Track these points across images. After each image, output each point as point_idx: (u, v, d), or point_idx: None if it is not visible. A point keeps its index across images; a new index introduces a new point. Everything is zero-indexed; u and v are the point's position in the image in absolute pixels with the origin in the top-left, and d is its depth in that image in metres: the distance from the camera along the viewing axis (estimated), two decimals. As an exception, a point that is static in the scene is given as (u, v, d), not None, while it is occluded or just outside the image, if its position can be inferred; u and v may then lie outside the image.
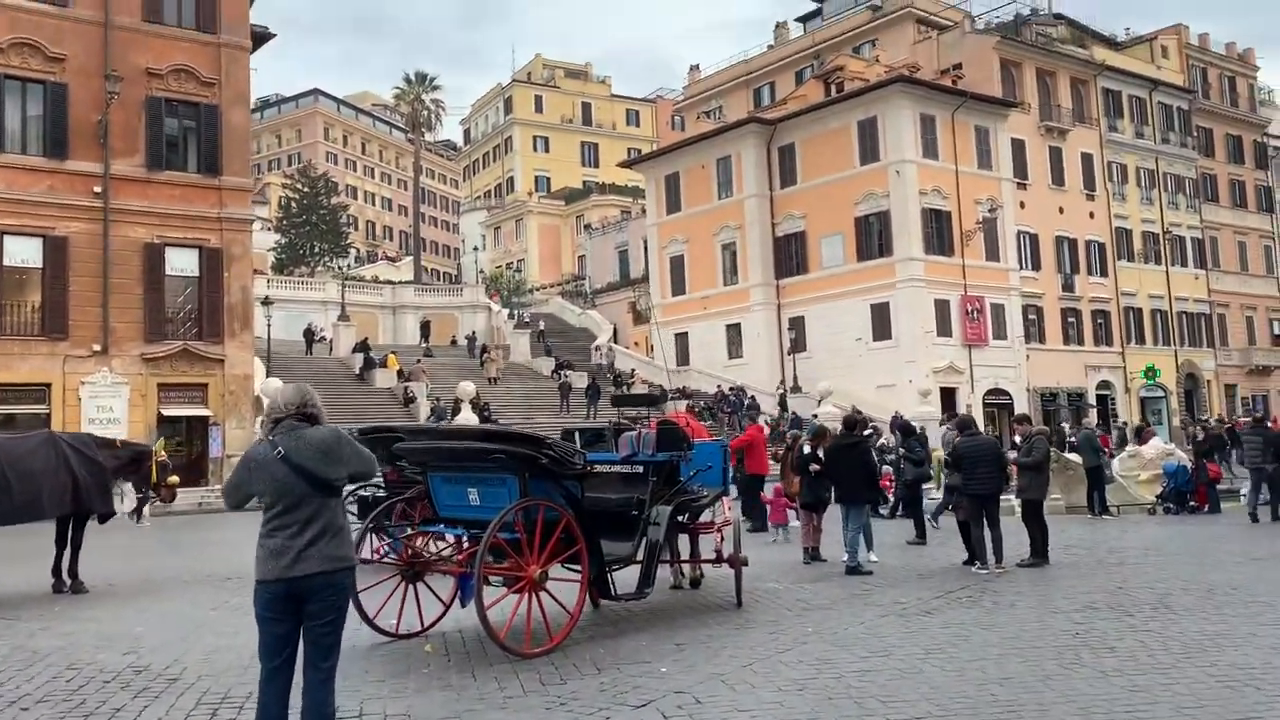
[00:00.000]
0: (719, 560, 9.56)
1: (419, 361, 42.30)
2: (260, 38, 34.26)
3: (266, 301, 39.77)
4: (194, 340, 29.48)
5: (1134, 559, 12.13)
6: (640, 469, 8.54)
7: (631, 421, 9.38)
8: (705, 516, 9.91)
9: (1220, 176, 57.92)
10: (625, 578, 8.44)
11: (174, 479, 23.74)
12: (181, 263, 29.62)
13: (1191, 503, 19.37)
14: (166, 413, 29.13)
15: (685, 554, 10.31)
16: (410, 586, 7.90)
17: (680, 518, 9.10)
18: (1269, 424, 19.73)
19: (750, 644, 7.51)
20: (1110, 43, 56.52)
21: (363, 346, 44.78)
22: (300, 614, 4.40)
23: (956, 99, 44.86)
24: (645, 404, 9.64)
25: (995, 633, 7.77)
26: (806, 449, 12.52)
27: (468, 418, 33.59)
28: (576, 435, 9.19)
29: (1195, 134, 56.52)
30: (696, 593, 10.05)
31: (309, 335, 48.22)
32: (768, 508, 15.47)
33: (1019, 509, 12.27)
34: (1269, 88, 68.00)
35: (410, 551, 7.88)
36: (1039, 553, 11.79)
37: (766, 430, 38.83)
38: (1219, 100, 59.37)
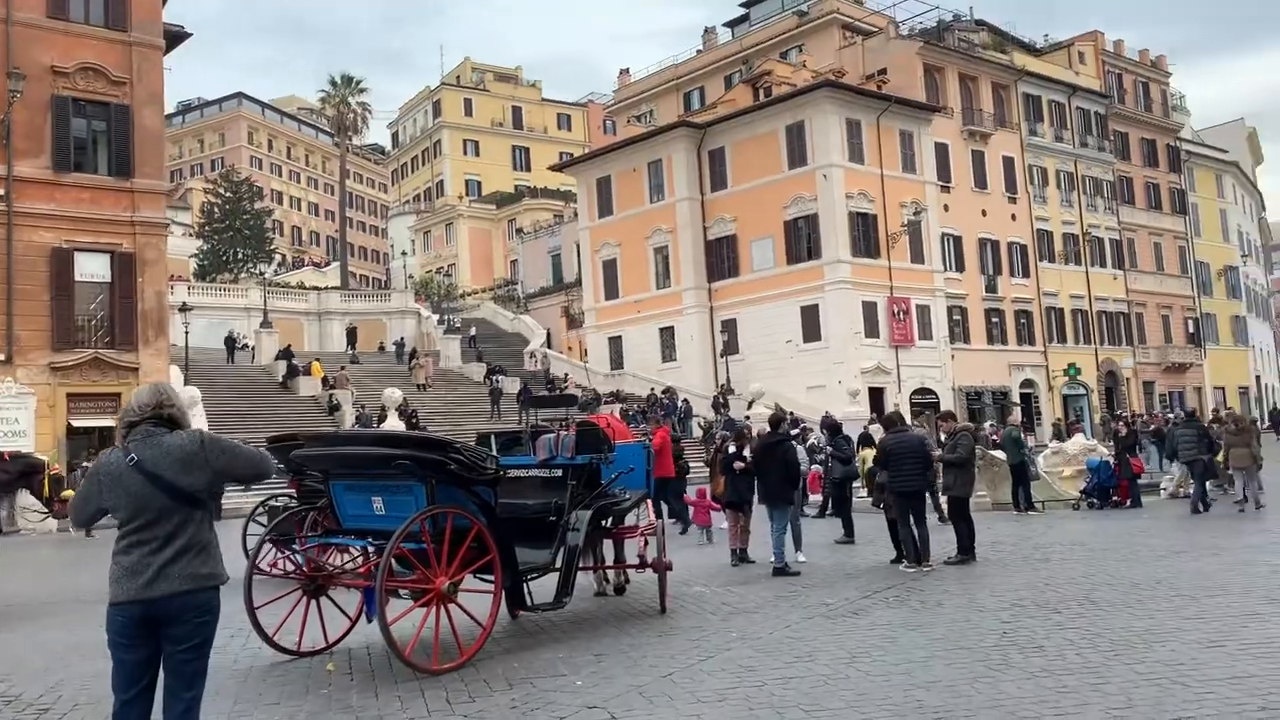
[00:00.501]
0: (642, 565, 9.28)
1: (343, 369, 41.38)
2: (175, 37, 33.22)
3: (184, 308, 38.57)
4: (106, 348, 28.39)
5: (1059, 555, 12.13)
6: (559, 473, 8.22)
7: (550, 424, 9.04)
8: (631, 519, 9.62)
9: (1136, 179, 59.48)
10: (545, 586, 8.10)
11: (69, 493, 22.71)
12: (92, 268, 28.51)
13: (1114, 497, 19.61)
14: (77, 424, 27.98)
15: (610, 559, 10.01)
16: (313, 602, 7.46)
17: (603, 522, 8.80)
18: (1199, 417, 20.40)
19: (672, 652, 7.23)
20: (1030, 49, 57.71)
21: (286, 354, 43.69)
22: (159, 639, 3.96)
23: (881, 104, 45.35)
24: (560, 405, 9.28)
25: (922, 633, 7.60)
26: (730, 449, 12.33)
27: (394, 425, 32.88)
28: (492, 439, 8.83)
29: (1112, 138, 57.97)
30: (621, 600, 9.75)
31: (230, 343, 47.04)
32: (690, 509, 15.24)
33: (945, 506, 12.19)
34: (1181, 93, 70.12)
35: (312, 565, 7.44)
36: (965, 550, 11.72)
37: (700, 433, 38.99)
38: (1134, 105, 60.99)
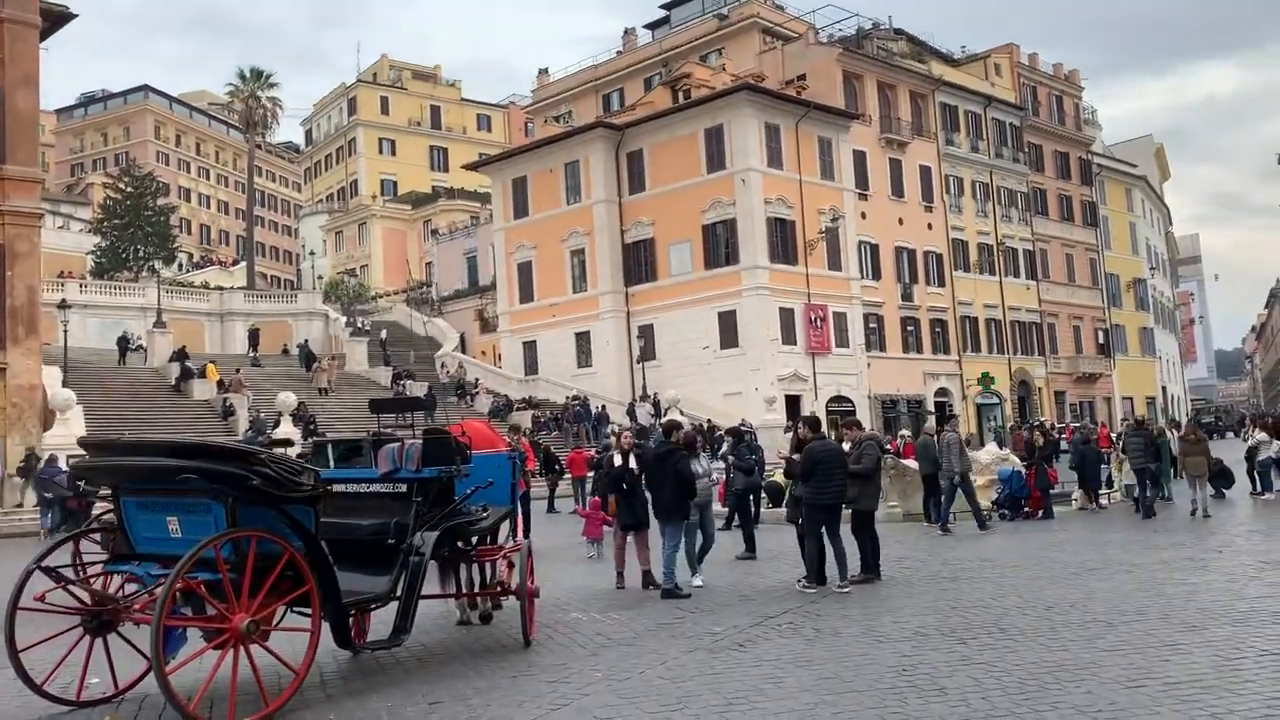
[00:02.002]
0: (503, 592, 8.25)
1: (239, 371, 39.46)
2: (57, 17, 31.17)
3: (63, 305, 36.33)
4: (-31, 347, 26.30)
5: (969, 573, 11.42)
6: (402, 488, 7.14)
7: (394, 432, 7.92)
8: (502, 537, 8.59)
9: (1049, 191, 60.34)
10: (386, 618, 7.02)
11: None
12: (-46, 260, 26.41)
13: (1025, 508, 19.17)
14: (-66, 428, 25.85)
15: (476, 584, 8.94)
16: (98, 640, 6.28)
17: (459, 543, 7.76)
18: (1148, 426, 20.77)
19: (522, 697, 6.22)
20: (947, 59, 58.14)
21: (180, 355, 41.58)
22: None
23: (800, 109, 45.04)
24: (409, 408, 8.19)
25: (812, 671, 6.71)
26: (617, 460, 11.36)
27: (288, 431, 31.25)
28: (329, 448, 7.72)
29: (1026, 150, 58.70)
30: (485, 630, 8.69)
31: (123, 343, 44.69)
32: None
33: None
34: (1093, 108, 71.52)
35: (97, 597, 6.25)
36: (869, 567, 10.93)
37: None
38: (1048, 118, 61.91)
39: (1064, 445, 29.30)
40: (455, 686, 6.57)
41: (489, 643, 8.10)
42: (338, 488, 7.35)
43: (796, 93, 46.65)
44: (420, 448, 7.15)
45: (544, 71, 64.65)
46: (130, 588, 6.23)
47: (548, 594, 10.53)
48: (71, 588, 6.21)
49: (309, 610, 6.12)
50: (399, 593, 6.75)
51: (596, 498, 14.21)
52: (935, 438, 20.49)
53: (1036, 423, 35.00)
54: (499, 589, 8.33)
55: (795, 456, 10.62)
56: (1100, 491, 20.94)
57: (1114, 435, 31.37)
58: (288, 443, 9.53)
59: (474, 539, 7.89)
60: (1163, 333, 73.53)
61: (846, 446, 11.26)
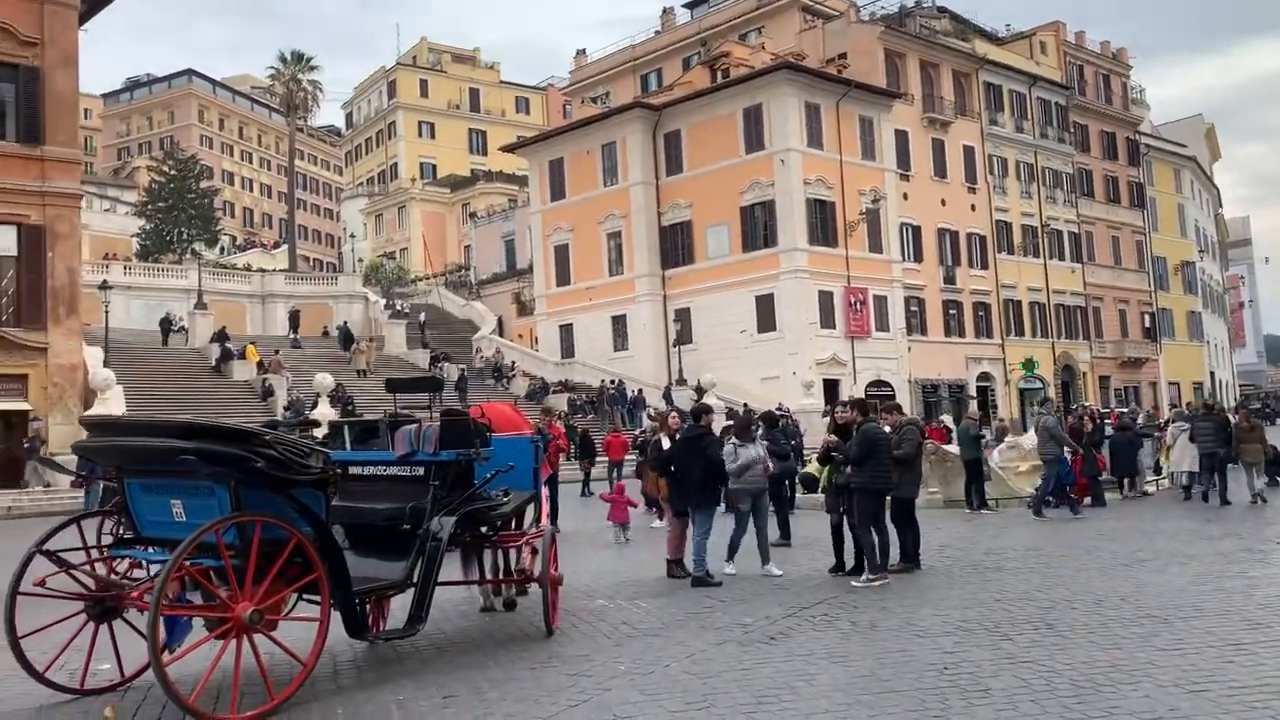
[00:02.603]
0: (525, 579, 7.97)
1: (278, 353, 39.64)
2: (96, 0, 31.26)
3: (105, 286, 36.56)
4: (10, 326, 26.54)
5: (1013, 562, 10.97)
6: (420, 471, 6.87)
7: (412, 413, 7.64)
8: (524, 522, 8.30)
9: (1095, 172, 58.96)
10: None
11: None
12: (-4, 241, 26.63)
13: (1071, 495, 18.60)
14: (-23, 407, 26.13)
15: (499, 570, 8.68)
16: (102, 627, 6.07)
17: (482, 528, 7.48)
18: (1216, 409, 20.57)
19: (540, 693, 5.93)
20: (991, 37, 56.92)
21: (221, 336, 41.87)
22: None
23: (841, 88, 44.26)
24: (424, 389, 7.92)
25: (847, 668, 6.35)
26: (665, 444, 11.00)
27: (325, 412, 31.27)
28: (346, 430, 7.46)
29: (1072, 130, 57.35)
30: (508, 618, 8.41)
31: (165, 325, 45.12)
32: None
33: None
34: (1141, 87, 69.78)
35: (102, 582, 6.04)
36: (909, 557, 10.53)
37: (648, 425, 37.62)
38: (1094, 97, 60.44)
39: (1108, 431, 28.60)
40: (472, 679, 6.30)
41: (511, 631, 7.82)
42: (354, 470, 7.11)
43: (837, 71, 45.84)
44: (438, 430, 6.86)
45: (581, 52, 64.29)
46: (139, 573, 6.01)
47: (575, 580, 10.27)
48: (76, 573, 5.99)
49: (319, 598, 5.86)
50: (415, 580, 6.47)
51: (622, 481, 13.92)
52: (977, 422, 20.04)
53: (1083, 408, 34.24)
54: (521, 576, 8.05)
55: (833, 439, 10.18)
56: (1147, 479, 20.34)
57: (1162, 421, 30.47)
58: (314, 423, 9.30)
59: (495, 524, 7.60)
60: (1211, 317, 71.79)
61: (887, 430, 10.82)
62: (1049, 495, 17.26)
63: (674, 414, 12.23)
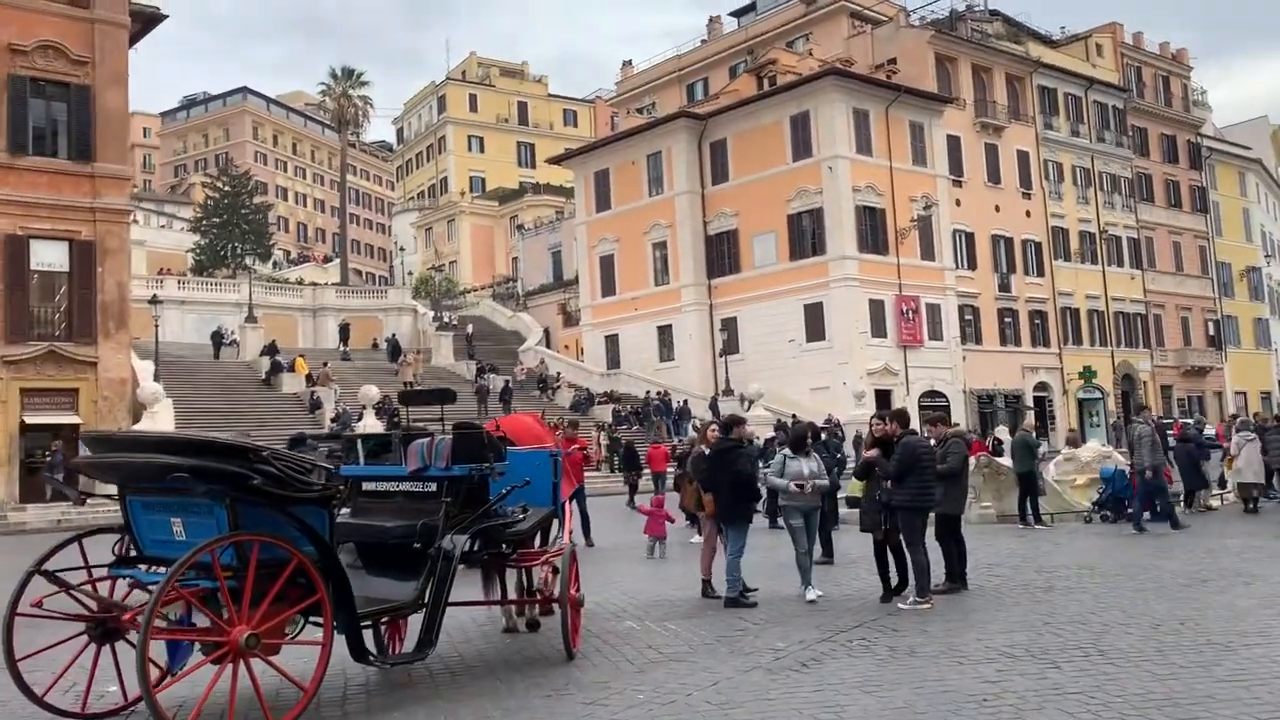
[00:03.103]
0: (544, 600, 7.67)
1: (326, 365, 39.93)
2: (148, 19, 31.75)
3: (155, 301, 37.11)
4: (62, 341, 26.95)
5: (1065, 581, 10.45)
6: (432, 486, 6.61)
7: (425, 427, 7.38)
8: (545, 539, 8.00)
9: (1155, 176, 57.46)
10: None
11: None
12: (49, 257, 27.10)
13: (1129, 510, 17.89)
14: (30, 420, 26.54)
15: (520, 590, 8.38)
16: (104, 648, 5.89)
17: (502, 546, 7.21)
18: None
19: (552, 723, 5.63)
20: (1046, 40, 55.81)
21: (271, 349, 42.33)
22: None
23: (890, 94, 43.62)
24: (435, 400, 7.65)
25: (879, 698, 5.96)
26: (706, 452, 10.62)
27: (371, 425, 31.40)
28: (359, 444, 7.24)
29: (1130, 133, 55.98)
30: (529, 639, 8.11)
31: (217, 338, 45.74)
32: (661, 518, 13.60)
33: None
34: (1202, 88, 68.02)
35: (103, 603, 5.86)
36: (955, 576, 10.06)
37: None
38: (1153, 100, 58.96)
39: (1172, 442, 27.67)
40: (483, 707, 6.02)
41: (531, 654, 7.53)
42: (367, 486, 6.88)
43: (887, 77, 45.18)
44: (450, 444, 6.61)
45: (628, 63, 64.25)
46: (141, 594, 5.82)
47: (605, 598, 9.98)
48: (77, 593, 5.82)
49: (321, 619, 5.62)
50: (425, 600, 6.21)
51: (661, 495, 13.59)
52: (1033, 433, 19.42)
53: (1143, 419, 33.20)
54: (540, 596, 7.76)
55: (873, 452, 9.72)
56: (1213, 492, 19.54)
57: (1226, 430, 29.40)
58: (336, 436, 9.05)
59: (513, 542, 7.32)
60: (1279, 323, 69.54)
61: (932, 443, 10.38)
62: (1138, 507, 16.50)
63: (714, 426, 11.79)
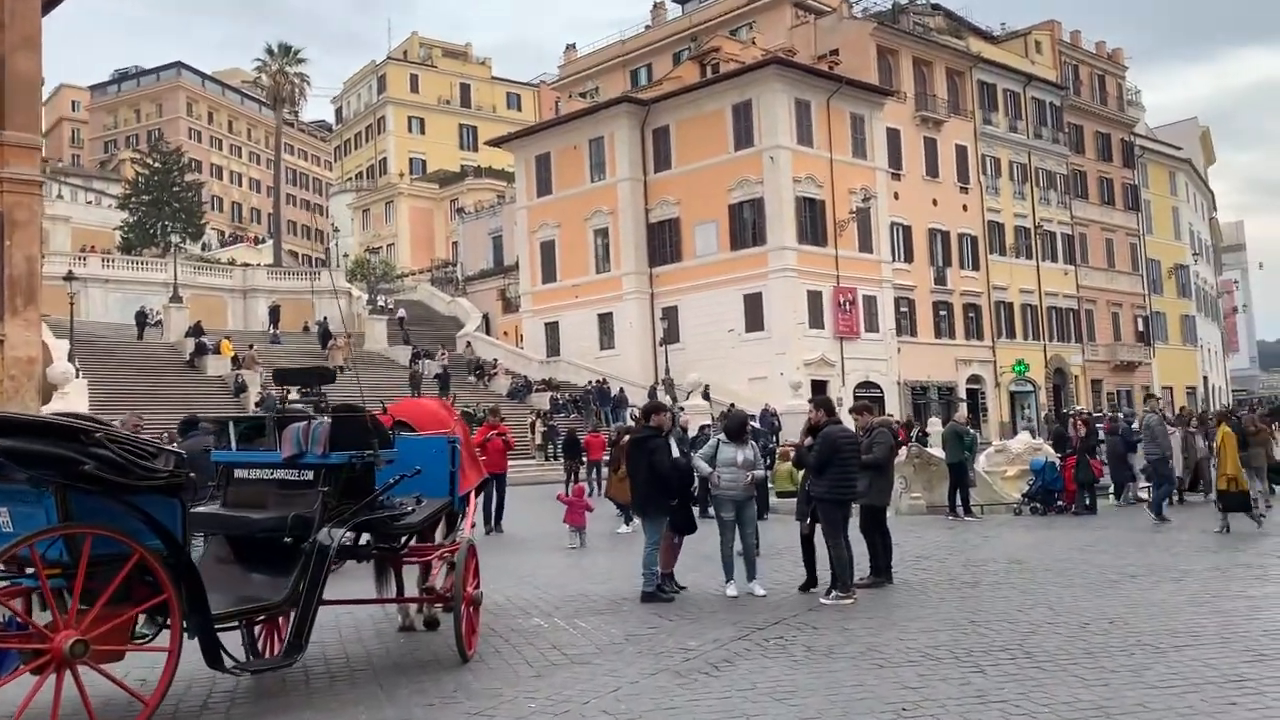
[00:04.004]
0: (437, 598, 7.09)
1: (252, 348, 38.77)
2: (66, -19, 30.24)
3: (70, 277, 35.64)
4: (-36, 318, 25.51)
5: (992, 576, 10.17)
6: (308, 474, 6.01)
7: (303, 409, 6.72)
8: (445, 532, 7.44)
9: (1090, 173, 58.22)
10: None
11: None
12: (-49, 229, 25.60)
13: (1059, 502, 17.85)
14: (-74, 401, 25.12)
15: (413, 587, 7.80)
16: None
17: (385, 541, 6.63)
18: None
19: (429, 737, 5.09)
20: (986, 36, 56.15)
21: (196, 330, 41.00)
22: None
23: (832, 84, 43.48)
24: (313, 380, 7.01)
25: (790, 705, 5.52)
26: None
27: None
28: (231, 425, 6.60)
29: (1066, 130, 56.61)
30: (429, 638, 7.56)
31: (141, 318, 44.25)
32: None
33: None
34: (1136, 88, 69.09)
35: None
36: (880, 570, 9.71)
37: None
38: (1089, 98, 59.69)
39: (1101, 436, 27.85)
40: (357, 718, 5.46)
41: (424, 656, 6.97)
42: (239, 474, 6.26)
43: (829, 68, 45.05)
44: (327, 428, 6.01)
45: (571, 47, 63.42)
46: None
47: (518, 592, 9.47)
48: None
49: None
50: (298, 600, 5.62)
51: (581, 484, 13.12)
52: (966, 424, 19.29)
53: (1075, 411, 33.50)
54: (432, 595, 7.18)
55: (807, 440, 9.30)
56: (1140, 485, 19.57)
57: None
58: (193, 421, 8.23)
59: (403, 536, 6.74)
60: (1205, 321, 71.13)
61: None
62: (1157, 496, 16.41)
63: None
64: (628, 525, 14.27)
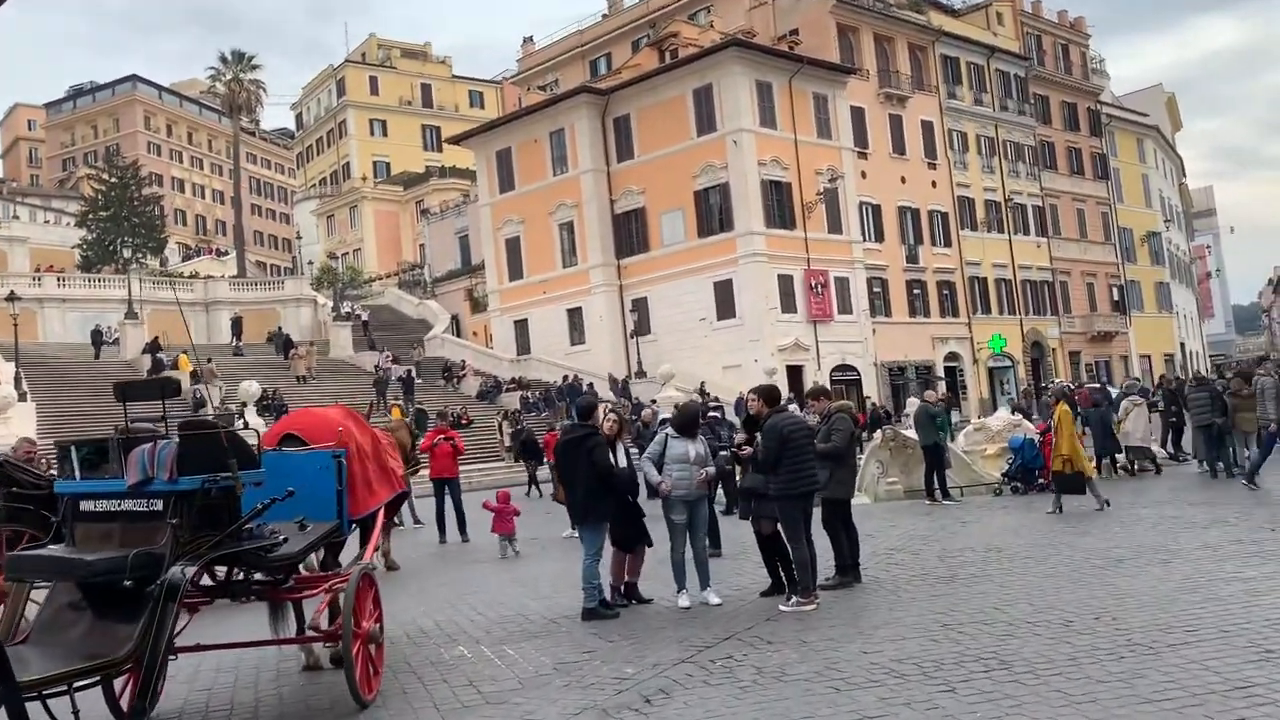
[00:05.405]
0: (325, 636, 6.22)
1: (210, 361, 37.64)
2: (-7, -10, 29.10)
3: (12, 298, 34.52)
4: (-102, 344, 24.50)
5: (969, 568, 9.41)
6: (158, 504, 5.15)
7: (154, 427, 5.85)
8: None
9: (1058, 144, 57.75)
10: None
11: None
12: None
13: (1040, 480, 17.14)
14: None
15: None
16: None
17: (259, 575, 5.78)
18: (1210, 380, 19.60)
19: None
20: (947, 9, 55.52)
21: (153, 347, 39.87)
22: None
23: (793, 65, 42.71)
24: (158, 394, 6.11)
25: (731, 748, 4.73)
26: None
27: (256, 422, 29.43)
28: (73, 450, 5.71)
29: (1032, 101, 56.09)
30: (334, 680, 6.70)
31: (97, 337, 43.13)
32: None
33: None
34: (1100, 56, 68.67)
35: None
36: (846, 569, 8.92)
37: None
38: (1054, 68, 59.21)
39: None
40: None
41: (320, 702, 6.12)
42: (85, 506, 5.39)
43: (789, 48, 44.27)
44: (174, 449, 5.16)
45: (529, 39, 62.44)
46: None
47: (450, 615, 8.64)
48: None
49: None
50: (145, 651, 4.76)
51: (506, 490, 12.33)
52: (937, 403, 18.56)
53: (1054, 384, 32.90)
54: (320, 634, 6.31)
55: (741, 436, 8.50)
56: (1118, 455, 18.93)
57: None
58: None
59: (281, 568, 5.88)
60: (1179, 288, 70.92)
61: (815, 418, 9.22)
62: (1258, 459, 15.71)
63: (612, 414, 10.07)
64: (573, 529, 13.46)
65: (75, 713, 4.66)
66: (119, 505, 5.24)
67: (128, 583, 4.84)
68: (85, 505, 5.37)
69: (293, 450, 6.54)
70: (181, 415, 6.41)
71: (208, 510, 5.21)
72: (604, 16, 57.88)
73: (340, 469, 6.38)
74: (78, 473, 5.48)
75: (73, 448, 5.56)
